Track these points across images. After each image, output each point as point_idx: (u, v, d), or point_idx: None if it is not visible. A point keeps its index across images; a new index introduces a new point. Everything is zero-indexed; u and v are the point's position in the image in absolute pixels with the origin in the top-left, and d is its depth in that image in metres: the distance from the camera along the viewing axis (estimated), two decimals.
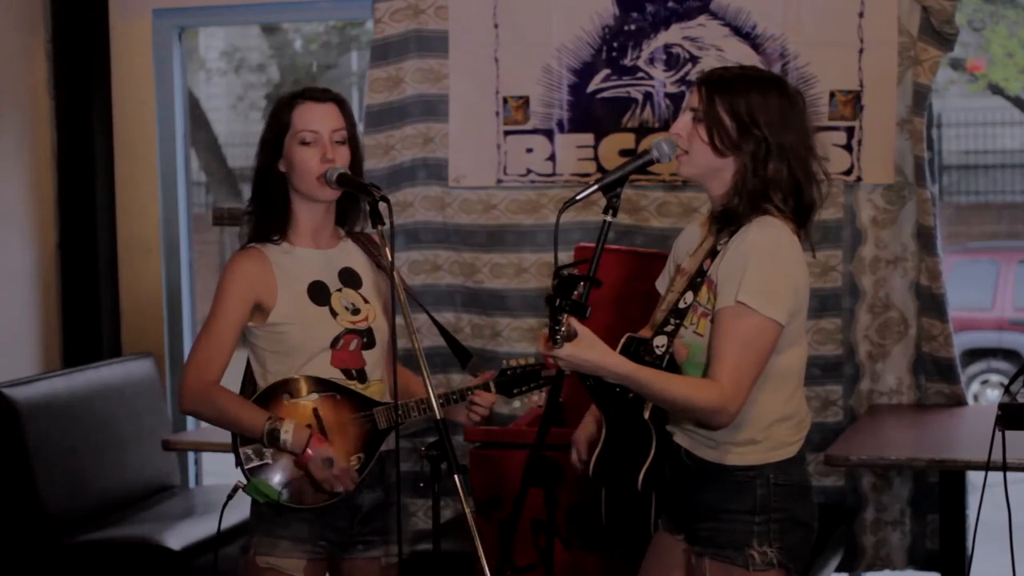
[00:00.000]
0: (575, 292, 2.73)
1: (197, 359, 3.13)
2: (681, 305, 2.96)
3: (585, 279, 2.78)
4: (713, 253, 2.93)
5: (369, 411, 3.16)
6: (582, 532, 3.75)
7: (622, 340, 2.98)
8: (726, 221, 2.93)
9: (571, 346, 2.73)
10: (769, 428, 2.91)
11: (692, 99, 2.96)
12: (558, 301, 2.72)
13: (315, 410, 3.12)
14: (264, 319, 3.15)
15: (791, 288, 2.87)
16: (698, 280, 2.94)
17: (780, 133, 2.89)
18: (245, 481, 3.10)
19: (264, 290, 3.15)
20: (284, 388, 3.13)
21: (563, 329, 2.71)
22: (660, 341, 2.95)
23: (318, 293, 3.19)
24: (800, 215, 2.94)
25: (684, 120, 2.96)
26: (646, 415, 2.95)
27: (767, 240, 2.86)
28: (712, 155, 2.92)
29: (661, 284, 3.15)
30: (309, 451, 3.06)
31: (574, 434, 3.19)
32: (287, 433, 3.06)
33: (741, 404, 2.83)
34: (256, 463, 3.09)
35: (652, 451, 2.96)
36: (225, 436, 3.20)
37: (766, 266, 2.84)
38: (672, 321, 2.96)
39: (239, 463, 3.11)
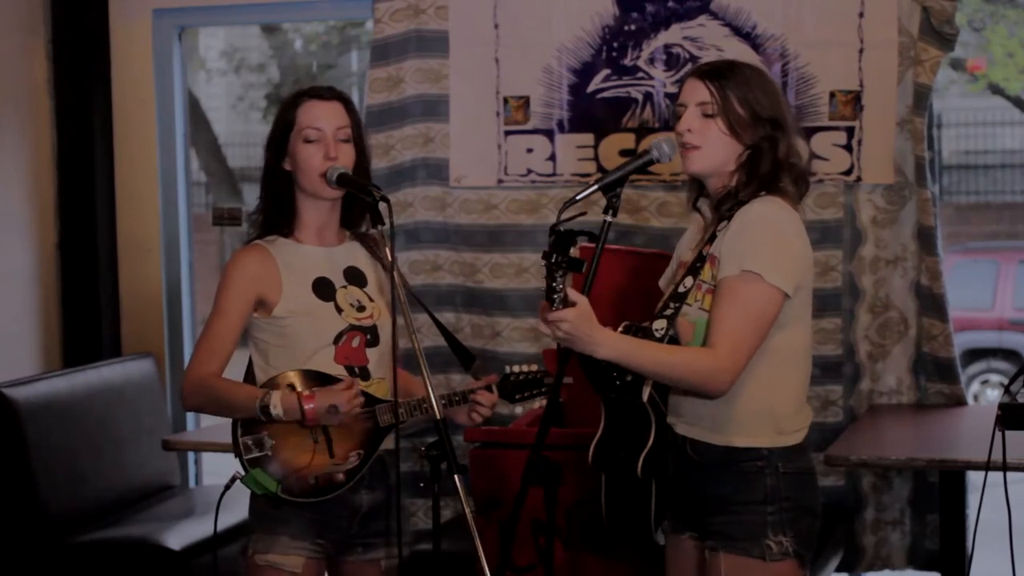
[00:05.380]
0: (571, 249, 2.72)
1: (198, 356, 3.14)
2: (680, 290, 2.97)
3: (582, 233, 2.76)
4: (712, 238, 2.95)
5: (371, 408, 3.16)
6: (585, 531, 3.75)
7: (619, 328, 2.98)
8: (726, 204, 2.95)
9: (573, 311, 2.74)
10: (770, 403, 2.91)
11: (696, 94, 2.97)
12: (555, 257, 2.71)
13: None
14: (268, 313, 3.15)
15: (795, 259, 2.90)
16: (698, 264, 2.96)
17: (783, 114, 2.96)
18: (243, 472, 3.10)
19: (267, 286, 3.15)
20: (284, 380, 3.13)
21: (561, 288, 2.70)
22: (659, 324, 2.96)
23: (323, 288, 3.19)
24: (800, 188, 2.99)
25: (692, 115, 2.96)
26: (644, 397, 2.95)
27: (772, 212, 2.90)
28: (733, 145, 2.94)
29: (664, 282, 3.16)
30: (308, 411, 3.04)
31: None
32: (276, 407, 3.04)
33: (738, 371, 2.83)
34: (256, 454, 3.09)
35: (652, 436, 2.96)
36: (225, 436, 3.20)
37: (771, 235, 2.87)
38: (672, 305, 2.97)
39: (238, 453, 3.11)
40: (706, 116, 2.95)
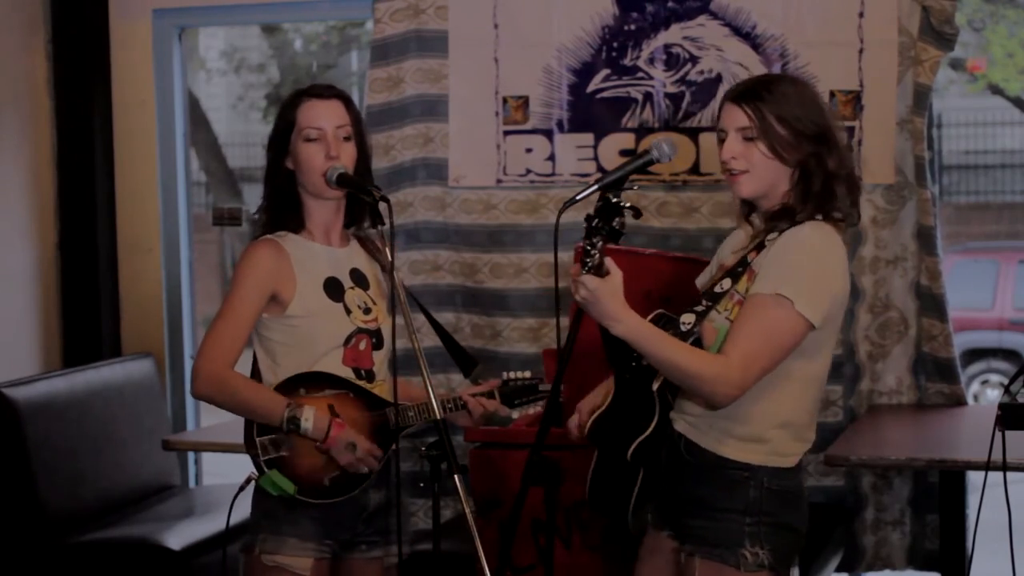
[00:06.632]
0: (614, 220, 2.71)
1: (213, 343, 3.09)
2: (717, 289, 2.95)
3: (631, 208, 2.76)
4: (760, 247, 2.92)
5: (382, 409, 3.16)
6: (585, 531, 3.75)
7: (651, 316, 2.95)
8: (780, 218, 2.91)
9: (599, 280, 2.73)
10: (772, 429, 2.91)
11: (734, 119, 2.92)
12: (596, 221, 2.71)
13: (331, 406, 3.12)
14: (280, 311, 3.13)
15: (831, 293, 2.87)
16: (739, 269, 2.94)
17: (827, 127, 2.91)
18: (259, 473, 3.09)
19: (282, 281, 3.13)
20: (300, 382, 3.12)
21: (595, 253, 2.69)
22: (688, 319, 2.93)
23: (333, 289, 3.18)
24: (854, 195, 2.95)
25: (734, 141, 2.92)
26: (655, 387, 2.95)
27: (819, 240, 2.87)
28: (779, 167, 2.90)
29: (701, 281, 3.14)
30: (332, 436, 3.06)
31: (580, 402, 3.16)
32: (307, 421, 3.05)
33: (745, 386, 2.81)
34: (273, 455, 3.09)
35: (652, 426, 2.96)
36: (225, 436, 3.20)
37: (812, 264, 2.85)
38: (704, 302, 2.95)
39: (255, 454, 3.10)
40: (747, 140, 2.91)
